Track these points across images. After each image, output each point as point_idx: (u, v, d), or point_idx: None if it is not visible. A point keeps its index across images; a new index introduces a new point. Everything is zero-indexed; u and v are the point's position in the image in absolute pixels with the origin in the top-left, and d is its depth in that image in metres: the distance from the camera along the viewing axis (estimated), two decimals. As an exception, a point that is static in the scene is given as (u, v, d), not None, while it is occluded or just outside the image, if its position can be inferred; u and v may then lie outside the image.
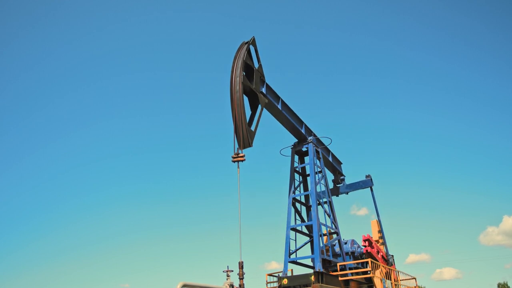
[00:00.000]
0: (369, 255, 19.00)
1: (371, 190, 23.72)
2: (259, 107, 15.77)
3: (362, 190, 24.20)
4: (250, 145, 14.04)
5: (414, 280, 21.95)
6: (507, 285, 67.67)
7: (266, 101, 16.28)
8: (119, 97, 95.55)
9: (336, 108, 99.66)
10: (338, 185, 23.93)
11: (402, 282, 20.77)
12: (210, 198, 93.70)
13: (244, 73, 15.30)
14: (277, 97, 17.51)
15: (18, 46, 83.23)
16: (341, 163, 24.18)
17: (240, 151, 13.86)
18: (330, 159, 22.16)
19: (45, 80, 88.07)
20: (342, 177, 23.88)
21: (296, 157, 19.81)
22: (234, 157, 13.68)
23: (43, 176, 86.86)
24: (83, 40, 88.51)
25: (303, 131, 18.98)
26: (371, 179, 23.66)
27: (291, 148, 19.65)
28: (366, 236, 19.57)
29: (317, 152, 19.47)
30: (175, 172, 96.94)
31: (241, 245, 12.42)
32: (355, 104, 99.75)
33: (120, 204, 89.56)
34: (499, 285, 68.82)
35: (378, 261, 18.38)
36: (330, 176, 23.79)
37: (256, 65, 16.23)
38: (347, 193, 24.04)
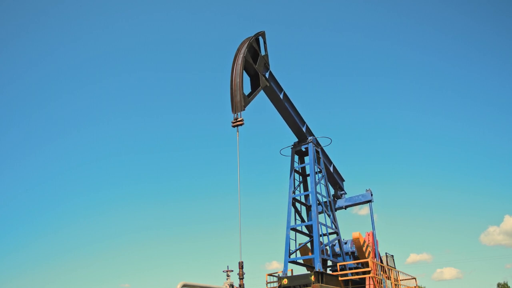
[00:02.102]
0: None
1: (370, 205, 22.02)
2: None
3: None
4: (243, 108, 14.31)
5: (414, 280, 21.93)
6: (507, 285, 67.69)
7: (267, 84, 16.43)
8: (119, 97, 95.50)
9: (336, 109, 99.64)
10: (337, 199, 23.26)
11: (402, 282, 20.75)
12: (210, 198, 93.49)
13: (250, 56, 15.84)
14: (280, 88, 17.62)
15: (18, 46, 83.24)
16: (344, 180, 23.57)
17: (238, 115, 14.10)
18: (331, 169, 21.86)
19: (45, 80, 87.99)
20: (342, 192, 23.19)
21: (296, 157, 19.81)
22: (233, 122, 13.96)
23: (43, 176, 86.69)
24: (83, 40, 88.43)
25: (304, 129, 18.97)
26: (371, 193, 22.21)
27: (291, 148, 19.64)
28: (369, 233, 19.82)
29: (317, 152, 19.47)
30: (175, 172, 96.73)
31: (241, 245, 12.43)
32: (355, 104, 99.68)
33: (120, 204, 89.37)
34: (498, 285, 68.85)
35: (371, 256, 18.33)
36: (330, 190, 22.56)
37: (262, 52, 16.71)
38: (345, 208, 23.08)
